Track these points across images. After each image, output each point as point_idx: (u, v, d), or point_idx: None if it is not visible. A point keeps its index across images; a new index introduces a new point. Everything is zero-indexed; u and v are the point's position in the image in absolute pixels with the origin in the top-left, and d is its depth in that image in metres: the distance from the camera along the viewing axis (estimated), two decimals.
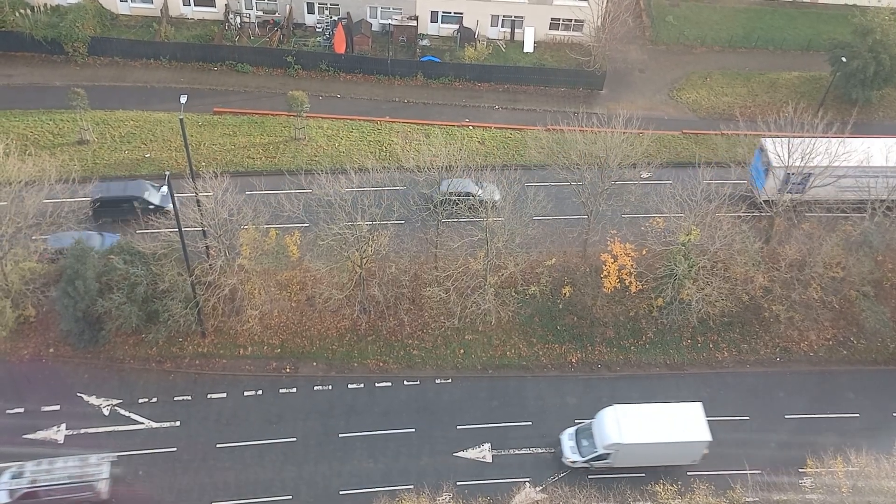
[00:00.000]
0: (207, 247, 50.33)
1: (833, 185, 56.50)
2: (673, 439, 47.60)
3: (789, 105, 60.08)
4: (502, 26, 75.58)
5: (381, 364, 52.75)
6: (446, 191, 53.95)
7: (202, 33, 72.24)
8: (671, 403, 49.69)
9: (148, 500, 46.22)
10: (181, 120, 47.40)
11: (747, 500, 46.74)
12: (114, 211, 56.21)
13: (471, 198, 56.18)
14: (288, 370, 52.14)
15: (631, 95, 71.98)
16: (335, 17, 73.93)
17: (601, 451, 47.61)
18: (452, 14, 74.59)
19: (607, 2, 72.07)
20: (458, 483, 47.56)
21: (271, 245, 51.41)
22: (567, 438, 49.15)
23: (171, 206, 51.07)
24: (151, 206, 56.48)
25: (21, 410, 49.00)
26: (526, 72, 71.80)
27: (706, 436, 47.52)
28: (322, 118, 66.64)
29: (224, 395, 50.81)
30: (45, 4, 69.94)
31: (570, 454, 48.40)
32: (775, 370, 54.57)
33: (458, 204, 53.85)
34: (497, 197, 55.37)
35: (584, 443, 48.36)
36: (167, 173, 45.72)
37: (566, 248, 58.26)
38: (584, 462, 48.04)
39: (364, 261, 51.10)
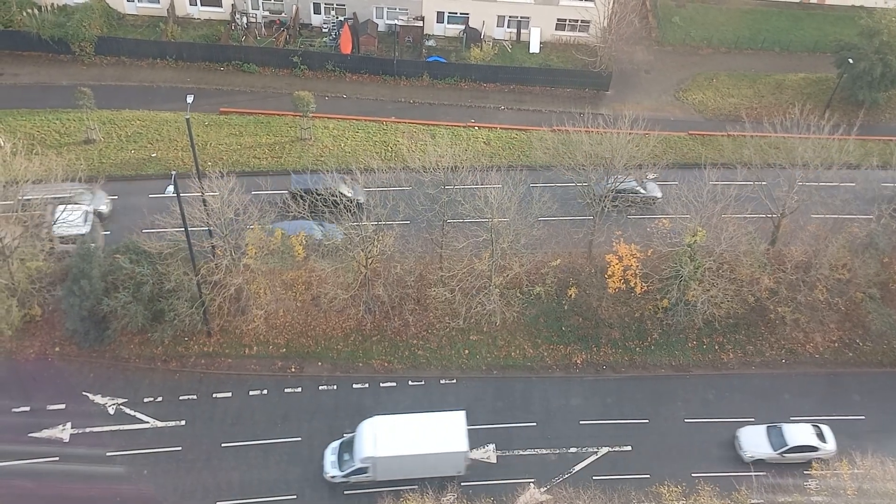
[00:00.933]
0: (213, 246, 50.41)
1: None
2: (429, 451, 46.05)
3: (795, 106, 60.19)
4: (508, 27, 75.59)
5: (386, 364, 52.77)
6: (612, 187, 54.60)
7: (208, 33, 72.38)
8: (434, 413, 48.21)
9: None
10: (187, 120, 47.53)
11: (752, 501, 46.75)
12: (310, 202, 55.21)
13: (637, 195, 56.79)
14: (293, 370, 52.20)
15: (637, 96, 71.94)
16: (341, 18, 74.00)
17: (358, 465, 46.11)
18: (458, 14, 74.61)
19: (613, 2, 72.04)
20: (462, 483, 47.53)
21: (277, 245, 51.45)
22: (330, 452, 47.55)
23: (362, 198, 53.93)
24: (346, 199, 56.13)
25: (27, 409, 49.13)
26: (532, 72, 71.78)
27: (463, 446, 46.17)
28: (328, 118, 66.71)
29: (229, 394, 50.88)
30: (53, 4, 70.15)
31: (330, 469, 46.81)
32: (781, 372, 54.47)
33: (623, 200, 54.85)
34: (659, 195, 55.49)
35: (346, 457, 46.77)
36: (173, 173, 45.77)
37: (571, 249, 58.19)
38: (344, 477, 46.49)
39: (369, 261, 51.12)
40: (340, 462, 46.87)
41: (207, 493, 46.86)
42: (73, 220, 52.42)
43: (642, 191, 59.67)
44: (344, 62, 71.01)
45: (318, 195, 52.14)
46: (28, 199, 50.73)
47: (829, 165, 54.73)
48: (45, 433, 48.25)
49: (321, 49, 72.32)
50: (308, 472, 47.91)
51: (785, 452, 49.28)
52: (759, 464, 49.59)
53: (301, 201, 52.89)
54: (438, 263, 54.85)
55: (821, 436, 50.22)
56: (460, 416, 47.52)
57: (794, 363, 54.93)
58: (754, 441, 49.99)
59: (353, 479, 46.61)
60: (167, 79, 69.05)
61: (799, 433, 49.95)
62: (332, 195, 51.12)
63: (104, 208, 57.15)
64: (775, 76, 74.85)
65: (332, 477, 46.80)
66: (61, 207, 52.13)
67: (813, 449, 49.54)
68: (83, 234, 51.64)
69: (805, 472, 48.91)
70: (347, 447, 47.21)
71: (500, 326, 54.18)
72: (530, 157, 63.62)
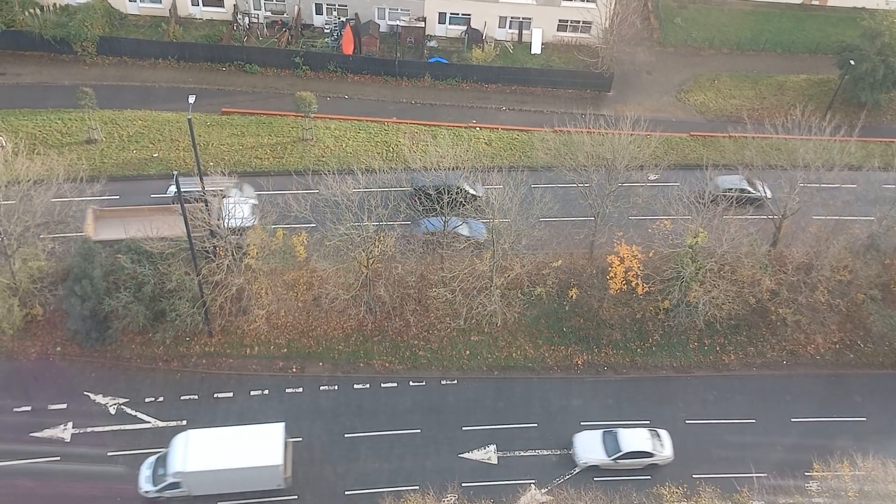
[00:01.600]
0: (215, 246, 50.43)
1: None
2: (241, 465, 44.71)
3: (797, 108, 60.14)
4: (510, 27, 75.58)
5: (387, 365, 52.79)
6: (722, 188, 55.32)
7: (210, 33, 72.40)
8: (251, 426, 46.75)
9: None
10: (189, 120, 47.53)
11: (753, 503, 46.66)
12: (433, 199, 55.38)
13: (745, 194, 57.41)
14: (294, 370, 52.22)
15: (638, 97, 71.95)
16: (343, 18, 74.03)
17: (171, 480, 44.79)
18: (460, 15, 74.62)
19: (615, 3, 72.05)
20: (463, 484, 47.55)
21: (278, 245, 51.48)
22: (146, 467, 46.26)
23: (482, 194, 55.08)
24: (469, 195, 57.51)
25: (28, 409, 49.15)
26: (533, 73, 71.79)
27: (278, 460, 44.82)
28: (329, 119, 66.75)
29: (230, 394, 50.89)
30: (55, 4, 70.21)
31: (144, 484, 45.49)
32: (782, 373, 54.46)
33: (732, 200, 54.78)
34: (769, 194, 56.35)
35: (160, 471, 45.44)
36: (175, 173, 45.83)
37: (573, 250, 58.22)
38: (157, 492, 45.18)
39: (370, 261, 51.14)
40: (155, 477, 45.51)
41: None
42: (242, 213, 52.30)
43: (752, 190, 59.44)
44: (346, 63, 71.04)
45: (442, 192, 52.04)
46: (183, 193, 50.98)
47: (831, 167, 54.75)
48: (46, 433, 48.26)
49: (323, 50, 72.34)
50: (309, 472, 47.88)
51: (619, 458, 48.26)
52: (594, 470, 48.71)
53: (423, 198, 52.50)
54: (439, 264, 54.85)
55: (658, 441, 49.24)
56: (278, 428, 46.16)
57: (796, 364, 54.92)
58: (589, 446, 48.80)
59: (168, 493, 45.35)
60: (169, 79, 69.08)
61: (634, 438, 48.71)
62: (457, 192, 51.65)
63: (254, 201, 57.49)
64: (777, 77, 74.84)
65: (146, 492, 45.45)
66: (229, 201, 52.28)
67: (648, 455, 48.51)
68: (252, 227, 51.62)
69: (806, 474, 48.90)
70: (162, 461, 45.86)
71: (500, 327, 54.19)
72: (532, 158, 63.65)
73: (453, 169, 52.52)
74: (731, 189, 57.87)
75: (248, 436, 45.96)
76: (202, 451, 45.07)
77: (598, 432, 49.59)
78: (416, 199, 55.67)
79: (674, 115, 70.55)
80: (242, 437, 45.88)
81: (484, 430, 50.22)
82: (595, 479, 48.25)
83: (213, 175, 53.86)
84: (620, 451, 48.39)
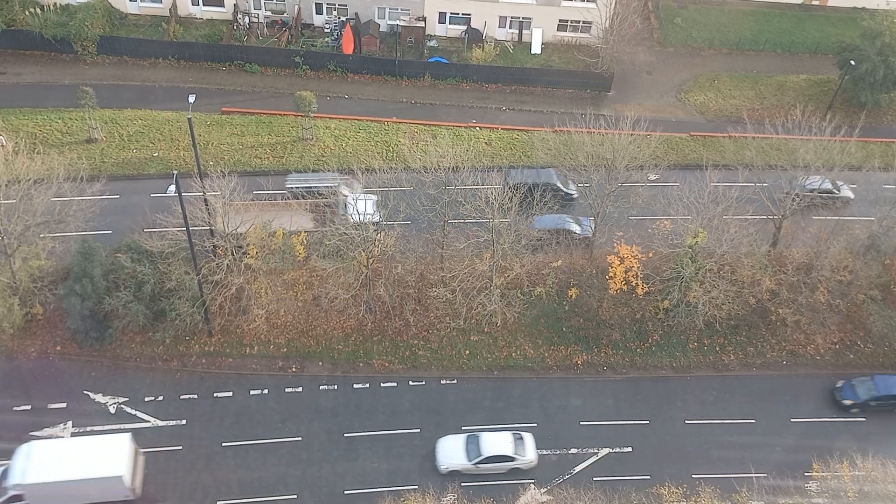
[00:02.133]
0: (215, 246, 50.44)
1: None
2: (83, 476, 43.88)
3: (797, 108, 60.09)
4: (510, 27, 75.60)
5: (387, 364, 52.78)
6: (812, 188, 56.02)
7: (211, 33, 72.43)
8: (96, 437, 46.32)
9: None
10: (189, 119, 47.56)
11: (752, 503, 46.66)
12: (527, 195, 55.22)
13: (832, 195, 57.69)
14: (294, 370, 52.22)
15: (639, 97, 71.95)
16: (343, 18, 74.06)
17: (12, 493, 43.54)
18: (460, 15, 74.63)
19: (615, 3, 72.06)
20: (462, 484, 47.54)
21: (278, 244, 51.49)
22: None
23: (575, 192, 57.58)
24: (561, 193, 58.85)
25: (28, 408, 49.18)
26: (533, 73, 71.80)
27: (121, 471, 44.22)
28: (329, 118, 66.77)
29: (230, 393, 50.91)
30: (55, 3, 70.25)
31: None
32: (782, 374, 54.44)
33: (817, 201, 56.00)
34: (852, 196, 56.71)
35: (3, 484, 44.13)
36: (175, 172, 45.83)
37: (572, 250, 58.19)
38: None
39: (370, 261, 51.14)
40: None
41: (208, 492, 46.86)
42: (367, 209, 52.27)
43: (836, 191, 59.23)
44: (346, 62, 71.05)
45: (536, 188, 52.89)
46: (294, 189, 53.07)
47: (831, 167, 54.81)
48: (46, 432, 48.22)
49: (323, 49, 72.36)
50: (308, 472, 47.94)
51: (480, 463, 47.41)
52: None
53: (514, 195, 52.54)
54: (439, 264, 54.83)
55: (520, 445, 48.16)
56: (124, 439, 45.58)
57: (795, 365, 54.89)
58: (451, 451, 47.93)
59: None
60: (169, 78, 69.11)
61: (496, 442, 47.79)
62: (549, 188, 53.06)
63: (375, 197, 57.06)
64: (777, 77, 74.85)
65: None
66: (354, 197, 52.59)
67: (510, 459, 47.58)
68: (375, 222, 52.03)
69: (806, 474, 48.90)
70: (6, 475, 44.82)
71: (500, 327, 54.19)
72: (532, 158, 63.64)
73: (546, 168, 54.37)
74: (817, 189, 57.49)
75: (92, 446, 45.31)
76: (43, 462, 44.16)
77: (462, 436, 48.74)
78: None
79: (674, 115, 70.56)
80: (87, 448, 45.19)
81: (484, 429, 50.17)
82: (595, 478, 48.25)
83: (327, 171, 56.24)
84: (481, 455, 47.56)
